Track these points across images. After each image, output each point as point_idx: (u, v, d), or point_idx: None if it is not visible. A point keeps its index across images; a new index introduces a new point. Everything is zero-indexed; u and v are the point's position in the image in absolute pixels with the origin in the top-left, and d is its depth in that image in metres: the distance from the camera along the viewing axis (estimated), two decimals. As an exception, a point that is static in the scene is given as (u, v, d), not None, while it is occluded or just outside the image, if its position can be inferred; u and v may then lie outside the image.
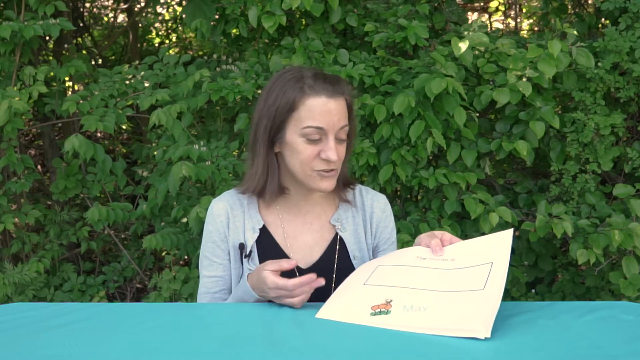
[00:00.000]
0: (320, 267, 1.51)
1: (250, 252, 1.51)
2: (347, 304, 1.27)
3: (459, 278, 1.26)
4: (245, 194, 1.54)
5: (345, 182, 1.57)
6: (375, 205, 1.60)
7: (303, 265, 1.51)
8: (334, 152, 1.39)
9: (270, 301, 1.36)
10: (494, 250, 1.29)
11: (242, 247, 1.52)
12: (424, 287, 1.26)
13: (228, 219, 1.52)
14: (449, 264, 1.32)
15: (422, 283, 1.27)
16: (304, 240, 1.54)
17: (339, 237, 1.55)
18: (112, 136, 4.07)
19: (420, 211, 2.74)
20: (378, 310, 1.22)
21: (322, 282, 1.31)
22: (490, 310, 1.13)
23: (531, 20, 4.62)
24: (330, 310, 1.28)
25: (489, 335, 1.09)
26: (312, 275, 1.30)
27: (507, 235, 1.31)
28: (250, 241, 1.51)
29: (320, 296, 1.33)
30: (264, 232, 1.53)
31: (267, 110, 1.43)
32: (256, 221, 1.53)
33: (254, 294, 1.39)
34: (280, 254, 1.52)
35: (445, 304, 1.19)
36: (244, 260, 1.51)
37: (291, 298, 1.30)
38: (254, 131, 1.49)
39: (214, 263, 1.53)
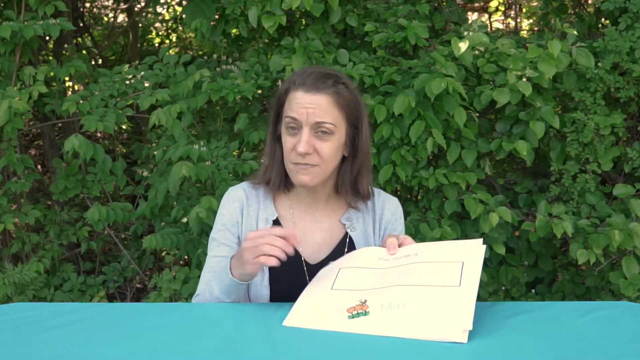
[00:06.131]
0: (328, 264, 1.50)
1: None
2: (319, 309, 1.24)
3: (430, 272, 1.23)
4: (256, 183, 1.57)
5: (364, 193, 1.55)
6: (386, 207, 1.61)
7: (311, 262, 1.53)
8: (303, 144, 1.39)
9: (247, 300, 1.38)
10: (463, 253, 1.27)
11: None
12: (397, 283, 1.23)
13: (242, 206, 1.55)
14: (413, 258, 1.30)
15: (393, 280, 1.24)
16: (313, 237, 1.56)
17: (348, 236, 1.56)
18: (112, 136, 4.06)
19: (420, 211, 2.74)
20: (355, 312, 1.19)
21: (295, 242, 1.28)
22: (469, 315, 1.11)
23: (531, 20, 4.62)
24: (300, 316, 1.24)
25: (465, 341, 1.08)
26: (294, 233, 1.29)
27: (477, 243, 1.29)
28: None
29: None
30: (277, 224, 1.55)
31: (273, 103, 1.52)
32: (270, 213, 1.55)
33: (229, 273, 1.36)
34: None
35: (424, 301, 1.16)
36: None
37: (263, 246, 1.25)
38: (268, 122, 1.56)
39: (221, 245, 1.55)
